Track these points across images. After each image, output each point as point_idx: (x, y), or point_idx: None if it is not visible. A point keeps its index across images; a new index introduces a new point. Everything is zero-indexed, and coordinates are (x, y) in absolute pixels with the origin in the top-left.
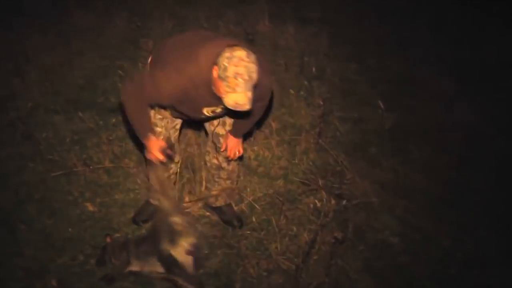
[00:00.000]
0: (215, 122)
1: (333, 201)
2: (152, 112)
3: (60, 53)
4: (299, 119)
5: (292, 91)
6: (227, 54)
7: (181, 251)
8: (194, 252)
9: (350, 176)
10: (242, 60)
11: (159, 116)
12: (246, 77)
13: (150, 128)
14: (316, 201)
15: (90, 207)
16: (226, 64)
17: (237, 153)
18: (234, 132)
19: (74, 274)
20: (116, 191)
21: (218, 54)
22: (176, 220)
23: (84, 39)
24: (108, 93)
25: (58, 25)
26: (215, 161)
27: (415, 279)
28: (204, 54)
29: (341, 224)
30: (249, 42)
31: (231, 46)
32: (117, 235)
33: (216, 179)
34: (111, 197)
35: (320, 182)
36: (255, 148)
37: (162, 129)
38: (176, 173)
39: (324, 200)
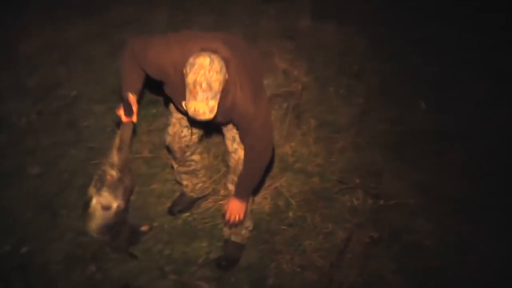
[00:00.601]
0: (228, 134)
1: (369, 201)
2: (171, 104)
3: (102, 44)
4: (337, 117)
5: (331, 89)
6: (191, 60)
7: (99, 202)
8: (110, 210)
9: (387, 176)
10: (203, 68)
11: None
12: (205, 86)
13: (132, 89)
14: (354, 199)
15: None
16: (188, 71)
17: (237, 217)
18: (235, 191)
19: (112, 260)
20: (154, 181)
21: (188, 57)
22: (112, 173)
23: (126, 31)
24: (149, 84)
25: (101, 17)
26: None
27: (450, 283)
28: (187, 48)
29: (377, 224)
30: (289, 39)
31: (204, 50)
32: (155, 224)
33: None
34: (148, 187)
35: (357, 181)
36: (293, 144)
37: (177, 122)
38: (203, 174)
39: (360, 199)
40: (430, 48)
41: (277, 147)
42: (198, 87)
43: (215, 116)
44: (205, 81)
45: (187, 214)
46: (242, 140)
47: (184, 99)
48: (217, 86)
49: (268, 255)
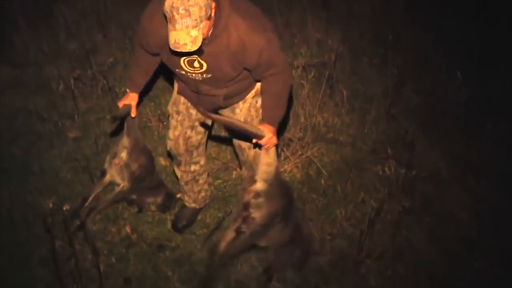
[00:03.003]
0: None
1: (401, 171)
2: (170, 104)
3: (140, 10)
4: (371, 87)
5: (365, 59)
6: None
7: (111, 176)
8: (118, 187)
9: (421, 148)
10: (176, 8)
11: (175, 109)
12: (182, 12)
13: (131, 83)
14: (386, 169)
15: (162, 162)
16: None
17: (274, 141)
18: (266, 118)
19: (146, 222)
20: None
21: None
22: (122, 155)
23: None
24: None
25: None
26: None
27: (483, 254)
28: None
29: (409, 194)
30: (323, 8)
31: None
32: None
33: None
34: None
35: (389, 151)
36: (325, 114)
37: (178, 124)
38: (205, 180)
39: (393, 169)
40: (470, 16)
41: (310, 117)
42: (175, 12)
43: (225, 72)
44: (181, 5)
45: (219, 181)
46: (261, 75)
47: (178, 57)
48: (196, 11)
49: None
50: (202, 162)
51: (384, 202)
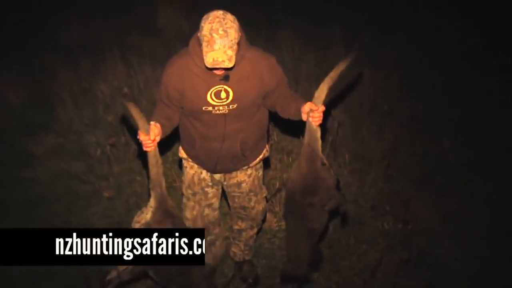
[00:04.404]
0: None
1: (399, 225)
2: (184, 188)
3: None
4: (369, 151)
5: (364, 126)
6: (204, 16)
7: (137, 220)
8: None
9: (415, 204)
10: (217, 17)
11: (191, 191)
12: (221, 32)
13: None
14: (385, 224)
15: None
16: (202, 25)
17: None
18: (300, 105)
19: None
20: None
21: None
22: (146, 216)
23: None
24: None
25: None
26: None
27: None
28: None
29: (406, 247)
30: None
31: None
32: None
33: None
34: None
35: (388, 208)
36: None
37: (196, 204)
38: (221, 243)
39: (391, 223)
40: (454, 91)
41: None
42: (214, 34)
43: (250, 97)
44: (221, 27)
45: None
46: (278, 92)
47: (206, 86)
48: (233, 33)
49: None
50: (217, 231)
51: (383, 253)
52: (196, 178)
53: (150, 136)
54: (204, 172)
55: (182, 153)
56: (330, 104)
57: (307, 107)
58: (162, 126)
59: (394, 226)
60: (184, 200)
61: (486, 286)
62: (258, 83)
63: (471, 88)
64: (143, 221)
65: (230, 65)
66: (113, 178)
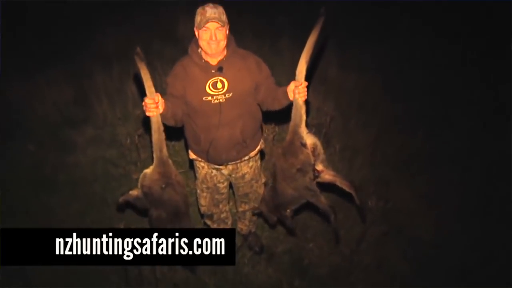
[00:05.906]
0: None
1: (381, 203)
2: (198, 183)
3: None
4: (356, 142)
5: (352, 121)
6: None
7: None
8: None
9: (394, 186)
10: (209, 7)
11: (204, 186)
12: (212, 5)
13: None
14: (369, 201)
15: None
16: (196, 18)
17: (304, 85)
18: (286, 94)
19: None
20: None
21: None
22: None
23: None
24: None
25: None
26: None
27: (445, 266)
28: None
29: (386, 221)
30: (321, 84)
31: None
32: None
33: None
34: None
35: (372, 189)
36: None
37: (207, 194)
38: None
39: (374, 202)
40: (427, 92)
41: None
42: (206, 7)
43: (244, 84)
44: (214, 13)
45: None
46: (267, 85)
47: (204, 78)
48: (222, 13)
49: (303, 244)
50: (227, 209)
51: (367, 227)
52: (208, 177)
53: (155, 99)
54: (214, 170)
55: (192, 155)
56: (323, 103)
57: (292, 85)
58: (166, 105)
59: (377, 204)
60: (199, 191)
61: (452, 253)
62: (249, 75)
63: (441, 90)
64: (145, 183)
65: (221, 23)
66: (140, 163)
